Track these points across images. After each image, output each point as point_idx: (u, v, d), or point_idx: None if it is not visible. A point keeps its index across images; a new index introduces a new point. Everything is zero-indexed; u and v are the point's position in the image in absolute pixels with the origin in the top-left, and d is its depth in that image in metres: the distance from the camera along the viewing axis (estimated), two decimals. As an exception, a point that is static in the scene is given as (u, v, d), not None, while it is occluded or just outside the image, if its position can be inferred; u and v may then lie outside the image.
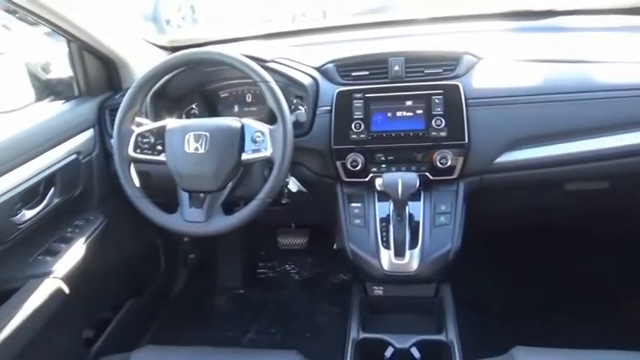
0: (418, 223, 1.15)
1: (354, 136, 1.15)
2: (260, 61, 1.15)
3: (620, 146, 1.12)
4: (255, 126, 1.06)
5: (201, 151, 1.04)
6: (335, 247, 1.49)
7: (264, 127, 1.05)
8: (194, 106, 1.36)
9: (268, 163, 1.06)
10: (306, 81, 1.21)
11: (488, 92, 1.13)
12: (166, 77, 1.18)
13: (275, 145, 1.02)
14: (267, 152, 1.03)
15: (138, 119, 1.13)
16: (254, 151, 1.04)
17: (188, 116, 1.36)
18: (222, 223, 1.05)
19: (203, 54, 1.13)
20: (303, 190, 1.26)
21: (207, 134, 1.04)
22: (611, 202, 1.34)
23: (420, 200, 1.17)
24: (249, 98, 1.35)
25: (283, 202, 1.23)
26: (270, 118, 1.08)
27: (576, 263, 1.63)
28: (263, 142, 1.04)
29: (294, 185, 1.21)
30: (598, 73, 1.13)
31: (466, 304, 1.31)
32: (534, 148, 1.15)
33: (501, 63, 1.19)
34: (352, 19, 1.82)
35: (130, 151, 1.08)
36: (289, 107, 1.17)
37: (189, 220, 1.07)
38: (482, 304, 1.56)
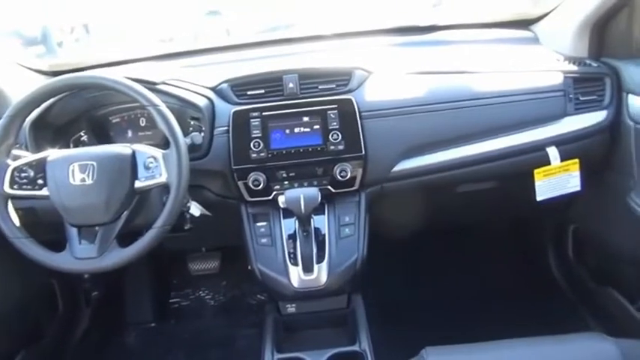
0: (324, 236, 1.16)
1: (254, 155, 1.14)
2: (149, 84, 1.11)
3: (503, 148, 1.21)
4: (147, 151, 1.01)
5: (89, 181, 0.97)
6: (249, 267, 1.46)
7: (157, 152, 1.00)
8: (82, 134, 1.27)
9: (165, 188, 1.01)
10: (201, 102, 1.18)
11: (380, 104, 1.18)
12: (45, 104, 1.09)
13: (170, 170, 0.98)
14: (162, 178, 0.99)
15: (15, 152, 1.03)
16: (148, 177, 1.00)
17: (76, 145, 1.27)
18: (118, 256, 0.99)
19: (83, 79, 1.06)
20: (207, 213, 1.22)
21: (94, 163, 0.97)
22: (498, 200, 1.45)
23: (324, 214, 1.18)
24: (143, 122, 1.29)
25: (186, 227, 1.18)
26: (167, 142, 1.04)
27: (474, 260, 1.74)
28: (157, 167, 1.00)
29: (196, 209, 1.17)
30: (478, 83, 1.23)
31: (378, 311, 1.34)
32: (428, 155, 1.21)
33: (390, 76, 1.24)
34: (251, 37, 1.82)
35: (6, 188, 0.98)
36: (185, 129, 1.14)
37: (80, 256, 0.99)
38: (394, 309, 1.60)
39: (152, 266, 1.80)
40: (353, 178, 1.16)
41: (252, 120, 1.15)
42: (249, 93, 1.19)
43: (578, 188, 1.26)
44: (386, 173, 1.20)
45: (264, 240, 1.17)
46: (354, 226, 1.17)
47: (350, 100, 1.16)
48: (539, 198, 1.25)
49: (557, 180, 1.25)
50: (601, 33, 1.29)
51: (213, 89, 1.22)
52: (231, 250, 1.78)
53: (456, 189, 1.34)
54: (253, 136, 1.15)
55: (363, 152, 1.15)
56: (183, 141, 1.00)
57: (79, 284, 1.71)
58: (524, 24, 1.49)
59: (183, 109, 1.18)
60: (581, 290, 1.56)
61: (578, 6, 1.28)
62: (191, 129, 1.19)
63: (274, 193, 1.17)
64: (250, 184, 1.15)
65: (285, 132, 1.15)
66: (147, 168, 1.00)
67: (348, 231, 1.17)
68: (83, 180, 0.97)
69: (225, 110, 1.18)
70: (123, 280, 1.81)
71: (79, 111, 1.24)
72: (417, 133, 1.19)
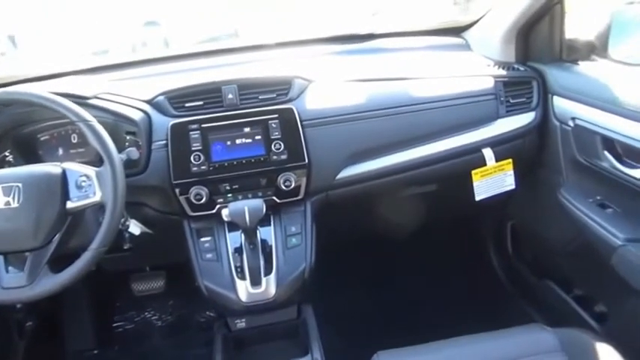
0: (271, 247, 1.15)
1: (195, 168, 1.11)
2: (79, 99, 1.06)
3: (442, 151, 1.25)
4: (79, 170, 0.96)
5: (14, 205, 0.91)
6: (196, 284, 1.42)
7: (90, 170, 0.96)
8: (7, 154, 1.19)
9: (101, 208, 0.97)
10: (137, 116, 1.14)
11: (321, 112, 1.19)
12: (-37, 124, 1.02)
13: (104, 189, 0.94)
14: (96, 197, 0.94)
15: None
16: (80, 197, 0.94)
17: (2, 166, 1.18)
18: (50, 283, 0.93)
19: (7, 94, 1.00)
20: (148, 231, 1.17)
21: (20, 185, 0.91)
22: (440, 202, 1.49)
23: (270, 225, 1.17)
24: (74, 139, 1.22)
25: (126, 247, 1.13)
26: (101, 159, 0.99)
27: (420, 263, 1.78)
28: (90, 186, 0.95)
29: (136, 228, 1.12)
30: (415, 88, 1.26)
31: (330, 319, 1.33)
32: (371, 161, 1.23)
33: (330, 84, 1.25)
34: (189, 47, 1.79)
35: None
36: (121, 145, 1.10)
37: (8, 286, 0.92)
38: (345, 316, 1.60)
39: (92, 289, 1.71)
40: (297, 188, 1.16)
41: (191, 132, 1.12)
42: (187, 105, 1.16)
43: (513, 186, 1.32)
44: (330, 181, 1.20)
45: (209, 255, 1.14)
46: (301, 235, 1.17)
47: (291, 109, 1.16)
48: (477, 198, 1.30)
49: (494, 180, 1.30)
50: (526, 39, 1.36)
51: (149, 102, 1.18)
52: (176, 267, 1.72)
53: (399, 193, 1.37)
54: (193, 149, 1.12)
55: (307, 161, 1.15)
56: (118, 157, 0.96)
57: (10, 316, 1.59)
58: (456, 31, 1.55)
59: (117, 123, 1.13)
60: (521, 284, 1.63)
61: (504, 14, 1.34)
62: (127, 144, 1.14)
63: (218, 206, 1.14)
64: (192, 199, 1.11)
65: (227, 144, 1.13)
66: (79, 187, 0.95)
67: (295, 241, 1.16)
68: (8, 203, 0.91)
69: (163, 123, 1.14)
70: (60, 307, 1.70)
71: (3, 129, 1.17)
72: (358, 140, 1.20)
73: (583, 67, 1.27)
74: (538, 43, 1.35)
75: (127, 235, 1.11)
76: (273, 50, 1.50)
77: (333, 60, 1.42)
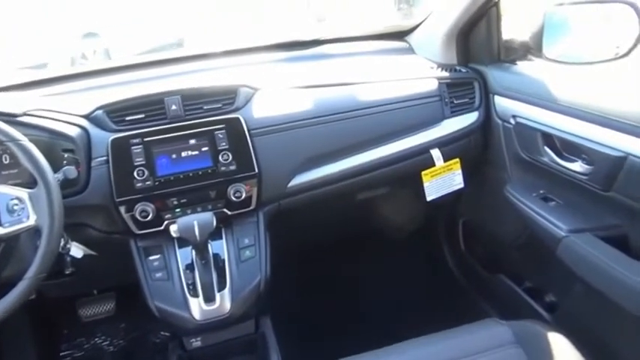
0: (224, 262, 1.11)
1: (139, 184, 1.06)
2: (8, 116, 0.99)
3: (392, 153, 1.27)
4: (9, 193, 0.89)
5: None
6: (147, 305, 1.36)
7: (22, 193, 0.89)
8: None
9: (37, 232, 0.90)
10: (73, 132, 1.08)
11: (269, 120, 1.17)
12: None
13: (39, 211, 0.88)
14: (30, 221, 0.88)
15: None
16: (13, 222, 0.88)
17: None
18: (-17, 316, 0.86)
19: None
20: (92, 253, 1.11)
21: None
22: (393, 204, 1.50)
23: (222, 238, 1.14)
24: (6, 160, 1.13)
25: (68, 271, 1.07)
26: (35, 181, 0.93)
27: (378, 266, 1.78)
28: (23, 209, 0.89)
29: (78, 250, 1.06)
30: (361, 93, 1.27)
31: (289, 330, 1.31)
32: (322, 167, 1.22)
33: (277, 92, 1.24)
34: (131, 59, 1.72)
35: None
36: (58, 163, 1.03)
37: None
38: (305, 326, 1.58)
39: (35, 318, 1.60)
40: (249, 198, 1.13)
41: (133, 147, 1.07)
42: (128, 119, 1.11)
43: (462, 185, 1.35)
44: (282, 189, 1.19)
45: (159, 274, 1.09)
46: (255, 247, 1.14)
47: (237, 118, 1.13)
48: (428, 198, 1.32)
49: (443, 179, 1.33)
50: (466, 41, 1.40)
51: (87, 117, 1.12)
52: (126, 288, 1.65)
53: (353, 198, 1.37)
54: (136, 164, 1.07)
55: (257, 170, 1.12)
56: (53, 177, 0.90)
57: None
58: (400, 35, 1.57)
59: (52, 141, 1.06)
60: (475, 280, 1.67)
61: (443, 17, 1.37)
62: (65, 162, 1.08)
63: (166, 222, 1.10)
64: (138, 216, 1.07)
65: (172, 157, 1.09)
66: (11, 211, 0.88)
67: (248, 253, 1.13)
68: None
69: (103, 139, 1.09)
70: (0, 338, 1.59)
71: None
72: (308, 147, 1.19)
73: (521, 66, 1.32)
74: (477, 45, 1.39)
75: (68, 258, 1.05)
76: (218, 59, 1.46)
77: (279, 67, 1.41)
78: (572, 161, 1.11)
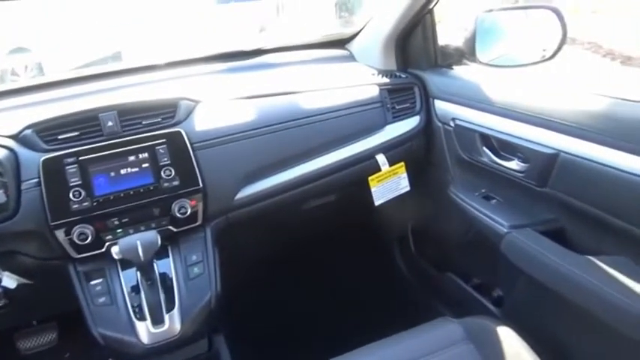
0: (172, 280, 1.07)
1: (76, 205, 1.01)
2: None
3: (338, 160, 1.27)
4: None
5: None
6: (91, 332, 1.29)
7: (-57, 222, 0.83)
8: None
9: None
10: (0, 154, 1.01)
11: (212, 133, 1.14)
12: None
13: None
14: (-47, 252, 0.81)
15: None
16: None
17: None
18: None
19: None
20: (27, 282, 1.05)
21: None
22: (343, 211, 1.51)
23: (168, 256, 1.10)
24: None
25: (0, 304, 0.99)
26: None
27: (332, 274, 1.79)
28: None
29: (11, 281, 1.00)
30: (305, 102, 1.27)
31: (244, 346, 1.28)
32: (268, 178, 1.21)
33: (219, 103, 1.21)
34: (64, 74, 1.64)
35: None
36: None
37: None
38: (260, 339, 1.56)
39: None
40: (194, 214, 1.10)
41: (67, 167, 1.02)
42: (60, 137, 1.06)
43: (408, 188, 1.38)
44: (229, 203, 1.16)
45: (101, 299, 1.04)
46: (203, 263, 1.10)
47: (179, 132, 1.10)
48: (376, 203, 1.34)
49: (390, 184, 1.35)
50: (404, 48, 1.44)
51: (14, 137, 1.06)
52: (68, 316, 1.56)
53: (302, 207, 1.37)
54: (72, 184, 1.01)
55: (201, 185, 1.09)
56: None
57: None
58: (341, 43, 1.59)
59: None
60: (426, 280, 1.70)
61: (381, 25, 1.41)
62: None
63: (107, 244, 1.05)
64: (76, 240, 1.01)
65: (110, 175, 1.04)
66: None
67: (197, 270, 1.10)
68: None
69: (33, 160, 1.02)
70: None
71: None
72: (254, 158, 1.18)
73: (457, 71, 1.37)
74: (415, 51, 1.43)
75: (0, 290, 0.97)
76: (157, 72, 1.42)
77: (221, 78, 1.39)
78: (510, 160, 1.16)
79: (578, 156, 0.97)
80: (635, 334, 0.85)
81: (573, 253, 1.00)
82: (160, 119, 1.12)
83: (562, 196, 1.03)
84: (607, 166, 0.91)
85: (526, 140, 1.08)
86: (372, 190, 1.32)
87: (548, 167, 1.03)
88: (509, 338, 0.99)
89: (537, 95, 1.08)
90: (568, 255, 1.00)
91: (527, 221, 1.11)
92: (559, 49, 1.19)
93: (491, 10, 1.29)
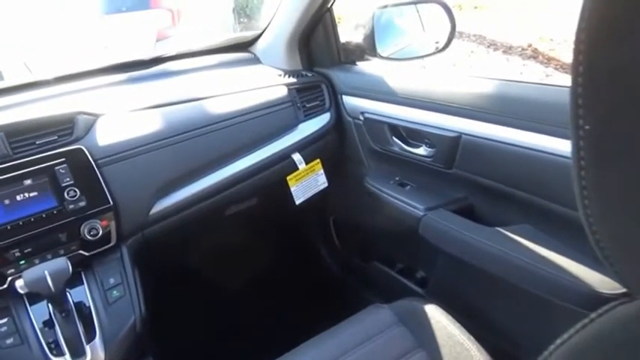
0: (89, 308, 0.99)
1: None
2: None
3: (254, 163, 1.26)
4: None
5: None
6: None
7: None
8: None
9: None
10: None
11: (117, 147, 1.08)
12: None
13: None
14: None
15: None
16: None
17: None
18: None
19: None
20: None
21: None
22: (265, 213, 1.50)
23: (83, 283, 1.02)
24: None
25: None
26: None
27: (260, 277, 1.76)
28: None
29: None
30: (212, 107, 1.24)
31: None
32: (184, 188, 1.16)
33: (121, 115, 1.15)
34: None
35: None
36: None
37: None
38: (198, 356, 1.50)
39: None
40: (107, 234, 1.03)
41: None
42: None
43: (326, 184, 1.40)
44: (144, 218, 1.10)
45: (9, 340, 0.93)
46: (123, 285, 1.04)
47: (80, 149, 1.02)
48: (297, 202, 1.34)
49: (308, 182, 1.36)
50: (307, 47, 1.46)
51: None
52: None
53: (222, 214, 1.33)
54: None
55: (111, 203, 1.03)
56: None
57: None
58: (243, 46, 1.57)
59: None
60: (354, 272, 1.74)
61: (283, 26, 1.42)
62: None
63: (9, 279, 0.95)
64: None
65: (5, 203, 0.94)
66: None
67: (116, 293, 1.03)
68: None
69: None
70: None
71: None
72: (165, 169, 1.13)
73: (361, 66, 1.42)
74: (318, 50, 1.46)
75: None
76: (49, 87, 1.31)
77: (120, 90, 1.31)
78: (418, 147, 1.23)
79: (477, 136, 1.04)
80: (542, 292, 0.93)
81: (482, 226, 1.08)
82: (56, 137, 1.03)
83: (468, 175, 1.11)
84: (504, 143, 0.99)
85: (430, 126, 1.15)
86: (292, 189, 1.33)
87: (452, 150, 1.10)
88: (436, 315, 1.05)
89: (436, 84, 1.15)
90: (478, 228, 1.07)
91: (439, 202, 1.18)
92: (449, 41, 1.27)
93: (385, 7, 1.35)
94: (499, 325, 1.14)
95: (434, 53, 1.31)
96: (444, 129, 1.11)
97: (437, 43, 1.32)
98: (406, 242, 1.34)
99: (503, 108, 0.99)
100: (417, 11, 1.45)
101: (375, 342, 1.01)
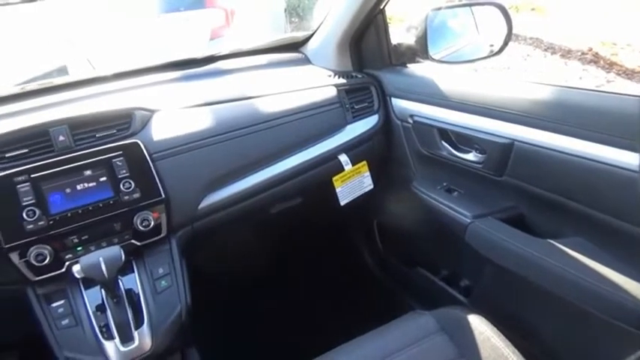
0: (138, 296, 1.04)
1: (30, 225, 0.96)
2: None
3: (301, 163, 1.27)
4: None
5: None
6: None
7: None
8: None
9: None
10: None
11: (171, 142, 1.12)
12: None
13: None
14: None
15: None
16: None
17: None
18: None
19: None
20: (-21, 310, 0.98)
21: None
22: (309, 213, 1.51)
23: (133, 271, 1.06)
24: None
25: (-47, 335, 0.93)
26: None
27: (303, 277, 1.78)
28: None
29: (-36, 310, 0.93)
30: (263, 106, 1.26)
31: (220, 357, 1.26)
32: (232, 184, 1.19)
33: (176, 112, 1.19)
34: (8, 89, 1.55)
35: None
36: None
37: None
38: (235, 350, 1.53)
39: None
40: (158, 226, 1.07)
41: (19, 186, 0.97)
42: (8, 155, 1.00)
43: (372, 186, 1.39)
44: (193, 212, 1.14)
45: (65, 321, 0.99)
46: (171, 276, 1.07)
47: (136, 143, 1.07)
48: (342, 202, 1.34)
49: (354, 183, 1.36)
50: (358, 48, 1.46)
51: None
52: (30, 341, 1.47)
53: (268, 212, 1.35)
54: (25, 203, 0.96)
55: (163, 196, 1.07)
56: None
57: None
58: (295, 46, 1.59)
59: None
60: (395, 276, 1.73)
61: (334, 27, 1.42)
62: None
63: (67, 263, 1.00)
64: (33, 261, 0.96)
65: (66, 192, 1.00)
66: None
67: (164, 283, 1.06)
68: None
69: None
70: None
71: None
72: (214, 165, 1.16)
73: (412, 68, 1.40)
74: (369, 51, 1.45)
75: (-48, 320, 0.91)
76: (108, 83, 1.37)
77: (175, 87, 1.35)
78: (467, 152, 1.20)
79: (531, 144, 1.01)
80: (595, 309, 0.89)
81: (533, 237, 1.04)
82: (114, 131, 1.08)
83: (519, 184, 1.07)
84: (559, 151, 0.95)
85: (482, 132, 1.12)
86: (337, 190, 1.33)
87: (504, 156, 1.07)
88: (480, 326, 1.02)
89: (489, 88, 1.12)
90: (529, 240, 1.04)
91: (488, 210, 1.14)
92: (505, 44, 1.24)
93: (439, 8, 1.33)
94: (546, 341, 1.10)
95: (488, 57, 1.28)
96: (496, 135, 1.08)
97: (492, 46, 1.29)
98: (451, 249, 1.32)
99: (561, 115, 0.95)
100: (472, 13, 1.42)
101: (416, 348, 1.00)
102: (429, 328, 1.04)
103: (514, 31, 1.23)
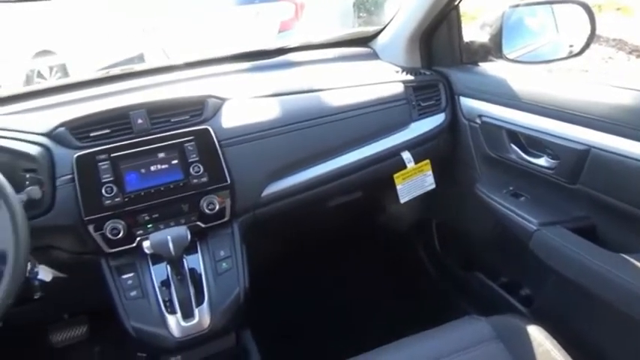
0: (201, 275, 1.09)
1: (108, 201, 1.03)
2: (-37, 138, 0.95)
3: (363, 158, 1.27)
4: None
5: None
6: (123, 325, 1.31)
7: (-17, 217, 0.85)
8: None
9: (1, 257, 0.86)
10: (34, 151, 1.03)
11: (239, 130, 1.16)
12: None
13: (2, 235, 0.83)
14: (-7, 245, 0.84)
15: None
16: None
17: None
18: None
19: None
20: (61, 275, 1.07)
21: None
22: (367, 208, 1.51)
23: (197, 252, 1.11)
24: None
25: (37, 296, 1.02)
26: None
27: (356, 270, 1.79)
28: None
29: (46, 274, 1.02)
30: (329, 99, 1.27)
31: (271, 341, 1.29)
32: (294, 175, 1.21)
33: (245, 101, 1.23)
34: (91, 74, 1.67)
35: None
36: (21, 184, 0.99)
37: None
38: (287, 335, 1.56)
39: (1, 349, 1.52)
40: (222, 210, 1.11)
41: (100, 163, 1.04)
42: (92, 135, 1.08)
43: (434, 186, 1.37)
44: (256, 199, 1.17)
45: (133, 293, 1.06)
46: (231, 259, 1.12)
47: (207, 129, 1.11)
48: (402, 200, 1.33)
49: (415, 181, 1.35)
50: (428, 45, 1.43)
51: (48, 135, 1.08)
52: (99, 310, 1.58)
53: (327, 204, 1.37)
54: (104, 180, 1.04)
55: (229, 181, 1.11)
56: (16, 198, 0.86)
57: None
58: (363, 41, 1.59)
59: (12, 162, 1.02)
60: (452, 279, 1.69)
61: (406, 22, 1.40)
62: (27, 183, 1.03)
63: (138, 239, 1.07)
64: (108, 234, 1.03)
65: (141, 172, 1.06)
66: None
67: (225, 265, 1.11)
68: None
69: (67, 157, 1.05)
70: None
71: None
72: (279, 155, 1.19)
73: (483, 67, 1.36)
74: (440, 48, 1.42)
75: (36, 283, 1.00)
76: (182, 71, 1.44)
77: (246, 77, 1.40)
78: (538, 157, 1.15)
79: (610, 151, 0.95)
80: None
81: (606, 250, 0.98)
82: (188, 117, 1.14)
83: (593, 193, 1.02)
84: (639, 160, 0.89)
85: (555, 136, 1.07)
86: (398, 187, 1.32)
87: (579, 163, 1.02)
88: (539, 337, 0.98)
89: (566, 90, 1.07)
90: (600, 252, 0.98)
91: (557, 218, 1.09)
92: (587, 45, 1.17)
93: (517, 6, 1.28)
94: (611, 360, 1.04)
95: (567, 57, 1.22)
96: (571, 140, 1.03)
97: (571, 46, 1.22)
98: (513, 256, 1.27)
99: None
100: (552, 12, 1.35)
101: (470, 354, 0.98)
102: (484, 335, 1.01)
103: (596, 31, 1.16)
